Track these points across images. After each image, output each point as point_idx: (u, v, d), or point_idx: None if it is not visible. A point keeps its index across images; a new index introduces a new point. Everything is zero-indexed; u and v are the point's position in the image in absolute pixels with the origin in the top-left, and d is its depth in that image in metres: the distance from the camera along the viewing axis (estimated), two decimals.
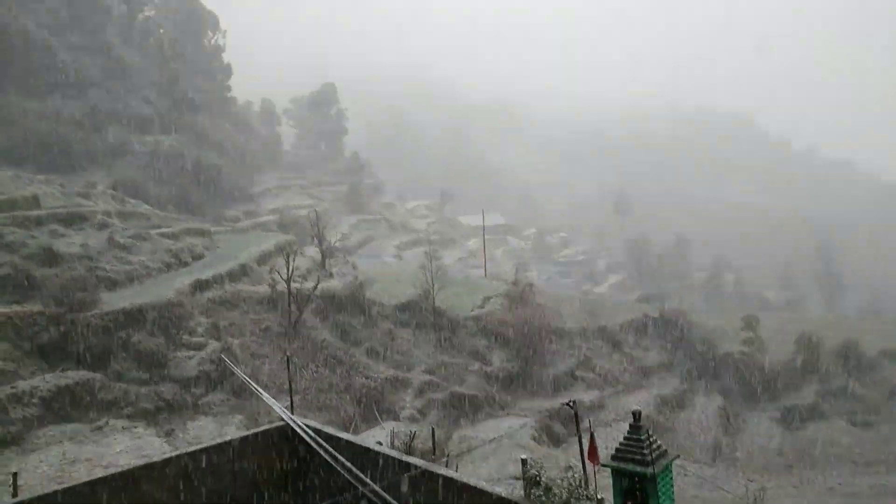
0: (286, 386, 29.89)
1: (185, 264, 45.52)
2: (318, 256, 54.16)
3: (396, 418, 37.19)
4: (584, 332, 52.87)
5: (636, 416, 10.92)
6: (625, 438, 10.80)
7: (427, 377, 42.02)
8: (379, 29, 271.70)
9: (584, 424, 30.33)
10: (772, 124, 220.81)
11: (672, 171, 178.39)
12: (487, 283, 62.76)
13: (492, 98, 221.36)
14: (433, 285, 48.03)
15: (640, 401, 45.73)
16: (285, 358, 32.58)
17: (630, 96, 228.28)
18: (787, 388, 50.62)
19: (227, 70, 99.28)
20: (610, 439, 20.16)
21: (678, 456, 11.79)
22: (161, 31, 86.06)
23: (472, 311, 51.06)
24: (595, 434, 14.94)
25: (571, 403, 13.75)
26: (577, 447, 17.85)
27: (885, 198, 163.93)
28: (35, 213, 42.28)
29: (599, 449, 13.39)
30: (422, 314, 48.15)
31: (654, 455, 10.36)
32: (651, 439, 10.62)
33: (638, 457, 10.45)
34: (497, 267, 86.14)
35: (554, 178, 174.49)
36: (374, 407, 36.91)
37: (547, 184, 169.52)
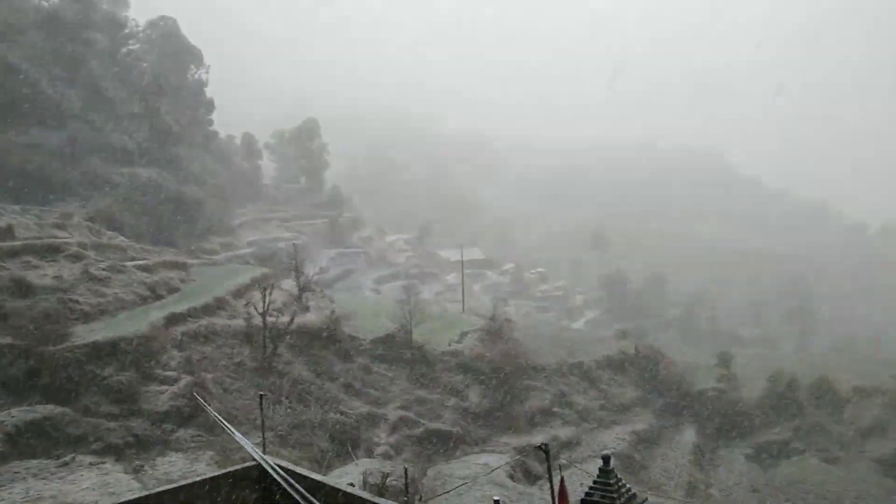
0: (259, 422, 29.36)
1: (161, 297, 44.89)
2: (296, 290, 53.64)
3: (371, 455, 36.68)
4: (560, 367, 52.57)
5: (606, 460, 10.87)
6: (594, 482, 10.74)
7: (402, 413, 41.62)
8: (357, 66, 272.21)
9: (563, 462, 30.16)
10: (745, 167, 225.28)
11: (648, 208, 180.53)
12: (465, 317, 62.35)
13: (472, 135, 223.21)
14: (411, 320, 47.79)
15: (615, 437, 45.73)
16: (259, 394, 32.10)
17: (608, 136, 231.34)
18: (761, 425, 50.83)
19: (209, 104, 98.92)
20: (585, 476, 20.03)
21: (647, 499, 11.73)
22: (144, 64, 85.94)
23: (449, 345, 50.68)
24: (568, 474, 14.84)
25: (544, 447, 13.62)
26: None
27: (851, 238, 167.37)
28: (9, 244, 41.48)
29: (574, 488, 13.29)
30: (399, 349, 47.80)
31: (622, 500, 10.31)
32: (620, 483, 10.58)
33: (607, 501, 10.39)
34: (475, 302, 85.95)
35: (532, 213, 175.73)
36: (348, 444, 36.36)
37: (525, 219, 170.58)
